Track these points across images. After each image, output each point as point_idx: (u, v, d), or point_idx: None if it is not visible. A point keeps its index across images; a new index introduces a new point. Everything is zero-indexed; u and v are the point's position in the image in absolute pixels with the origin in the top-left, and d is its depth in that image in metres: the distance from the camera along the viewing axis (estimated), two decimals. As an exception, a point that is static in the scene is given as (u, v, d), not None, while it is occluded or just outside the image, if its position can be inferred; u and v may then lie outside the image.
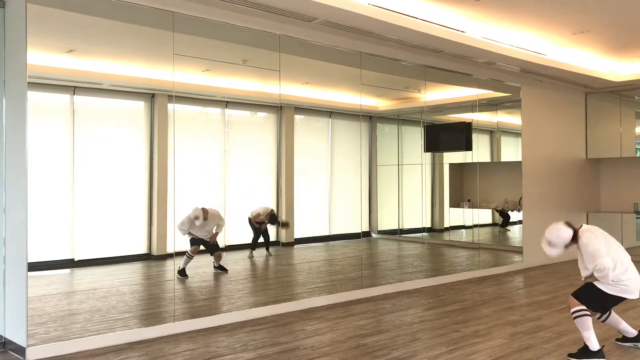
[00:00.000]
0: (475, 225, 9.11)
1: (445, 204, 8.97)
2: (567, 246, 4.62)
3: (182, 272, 5.87)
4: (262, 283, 6.56)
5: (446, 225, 9.10)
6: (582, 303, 4.46)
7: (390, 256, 8.22)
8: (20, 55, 4.60)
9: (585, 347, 4.43)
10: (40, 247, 4.74)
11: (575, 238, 4.58)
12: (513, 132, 9.38)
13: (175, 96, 5.47)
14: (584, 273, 4.58)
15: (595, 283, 4.49)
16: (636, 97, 10.29)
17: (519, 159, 9.17)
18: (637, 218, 10.16)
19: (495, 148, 9.39)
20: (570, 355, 4.52)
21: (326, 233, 7.50)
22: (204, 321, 5.45)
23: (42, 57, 4.77)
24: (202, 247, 5.99)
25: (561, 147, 10.08)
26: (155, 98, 5.77)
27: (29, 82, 4.52)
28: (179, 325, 5.27)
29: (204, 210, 5.93)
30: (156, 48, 5.52)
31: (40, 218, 4.78)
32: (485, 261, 8.76)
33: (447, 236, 9.21)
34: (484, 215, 9.28)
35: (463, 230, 9.39)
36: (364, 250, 7.34)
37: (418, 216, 8.20)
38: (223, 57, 6.00)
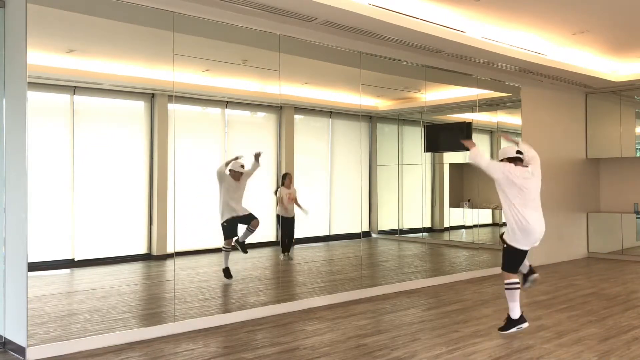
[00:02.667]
0: (475, 225, 9.11)
1: (445, 204, 8.96)
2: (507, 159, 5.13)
3: (226, 272, 5.97)
4: (262, 283, 6.56)
5: (446, 225, 9.09)
6: (509, 268, 5.09)
7: (390, 256, 8.22)
8: (20, 55, 4.60)
9: (509, 317, 5.08)
10: (40, 247, 4.74)
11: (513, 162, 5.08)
12: (513, 132, 9.38)
13: (175, 96, 5.46)
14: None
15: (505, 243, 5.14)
16: (636, 97, 10.28)
17: (519, 159, 9.16)
18: (637, 218, 10.16)
19: (495, 148, 9.39)
20: (500, 329, 5.11)
21: (326, 233, 7.49)
22: (204, 321, 5.45)
23: (42, 57, 4.76)
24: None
25: (561, 147, 10.08)
26: (155, 98, 5.77)
27: (29, 82, 4.52)
28: (179, 325, 5.27)
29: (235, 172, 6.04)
30: (156, 48, 5.51)
31: (40, 218, 4.78)
32: (485, 261, 8.75)
33: (447, 236, 9.21)
34: (484, 215, 9.27)
35: (463, 230, 9.39)
36: (364, 250, 7.34)
37: (418, 216, 8.19)
38: (223, 57, 6.00)
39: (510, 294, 5.09)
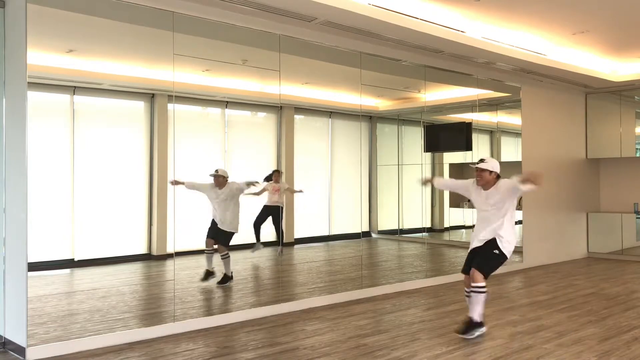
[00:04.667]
0: (475, 225, 9.10)
1: (445, 204, 8.97)
2: (484, 179, 5.10)
3: (207, 274, 5.90)
4: (262, 283, 6.56)
5: (446, 225, 9.10)
6: (486, 272, 5.10)
7: (390, 256, 8.23)
8: (20, 55, 4.60)
9: (471, 321, 5.05)
10: (40, 247, 4.74)
11: (494, 180, 5.11)
12: (513, 132, 9.38)
13: (175, 96, 5.47)
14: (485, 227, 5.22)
15: (495, 250, 5.13)
16: (636, 97, 10.28)
17: (519, 159, 9.17)
18: (637, 218, 10.16)
19: (495, 148, 9.39)
20: (460, 333, 5.02)
21: (326, 233, 7.50)
22: (204, 321, 5.45)
23: (42, 57, 4.77)
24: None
25: (561, 147, 10.08)
26: (155, 98, 5.77)
27: (29, 82, 4.52)
28: (179, 325, 5.27)
29: (218, 177, 5.87)
30: (156, 48, 5.52)
31: (40, 218, 4.79)
32: (485, 261, 8.74)
33: (447, 236, 9.21)
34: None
35: (463, 230, 9.39)
36: (364, 250, 7.34)
37: (418, 216, 8.19)
38: (223, 57, 6.00)
39: (481, 298, 5.07)
